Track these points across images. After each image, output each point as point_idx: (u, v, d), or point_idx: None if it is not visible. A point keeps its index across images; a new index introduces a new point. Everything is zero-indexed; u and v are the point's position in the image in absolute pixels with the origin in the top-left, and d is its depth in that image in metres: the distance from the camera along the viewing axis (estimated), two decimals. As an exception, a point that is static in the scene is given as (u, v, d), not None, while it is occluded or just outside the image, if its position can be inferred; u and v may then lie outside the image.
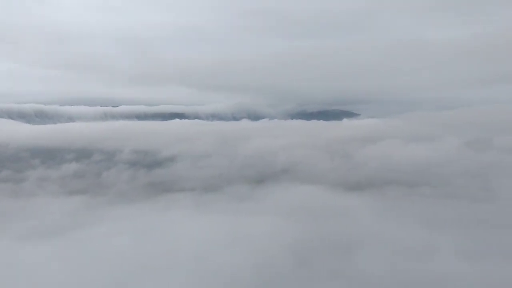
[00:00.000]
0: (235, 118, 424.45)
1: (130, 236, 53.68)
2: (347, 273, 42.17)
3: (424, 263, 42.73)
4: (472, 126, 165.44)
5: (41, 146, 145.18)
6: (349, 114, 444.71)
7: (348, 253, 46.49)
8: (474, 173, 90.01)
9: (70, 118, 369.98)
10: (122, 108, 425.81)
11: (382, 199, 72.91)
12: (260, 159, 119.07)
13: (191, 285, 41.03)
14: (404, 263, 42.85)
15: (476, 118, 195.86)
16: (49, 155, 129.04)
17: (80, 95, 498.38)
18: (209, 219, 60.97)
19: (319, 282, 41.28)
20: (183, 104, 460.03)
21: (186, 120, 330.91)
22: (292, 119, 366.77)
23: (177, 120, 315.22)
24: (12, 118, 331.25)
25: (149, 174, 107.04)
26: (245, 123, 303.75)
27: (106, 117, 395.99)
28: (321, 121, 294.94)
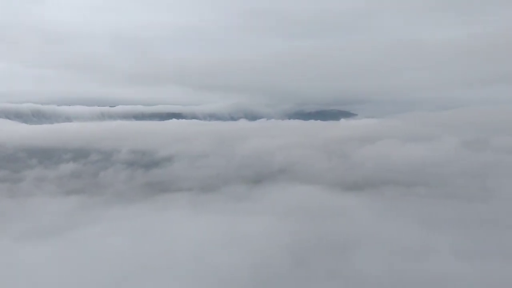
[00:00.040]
0: (232, 118, 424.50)
1: (128, 236, 53.56)
2: (344, 273, 42.15)
3: (422, 263, 42.74)
4: (470, 126, 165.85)
5: (38, 146, 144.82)
6: (347, 114, 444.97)
7: (346, 253, 46.47)
8: (472, 173, 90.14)
9: (68, 118, 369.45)
10: (119, 108, 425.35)
11: (380, 199, 72.95)
12: (257, 159, 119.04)
13: (189, 285, 40.95)
14: (402, 263, 42.86)
15: (474, 118, 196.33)
16: (46, 155, 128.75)
17: (77, 95, 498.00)
18: (207, 219, 60.89)
19: (316, 282, 41.25)
20: (180, 104, 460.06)
21: (184, 120, 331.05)
22: (289, 119, 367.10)
23: (174, 120, 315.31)
24: (9, 118, 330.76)
25: (147, 174, 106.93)
26: (242, 123, 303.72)
27: (103, 117, 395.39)
28: (319, 121, 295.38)
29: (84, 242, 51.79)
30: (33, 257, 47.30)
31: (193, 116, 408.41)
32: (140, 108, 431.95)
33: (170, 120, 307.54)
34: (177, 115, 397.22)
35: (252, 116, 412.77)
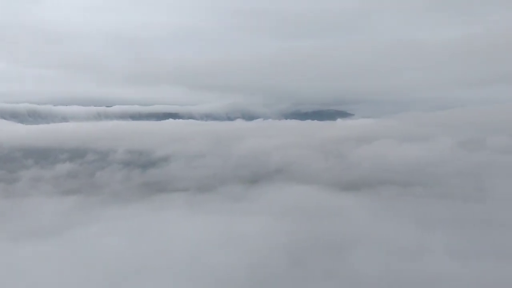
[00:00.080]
0: (229, 118, 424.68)
1: (124, 236, 53.51)
2: (341, 273, 42.22)
3: (418, 263, 42.85)
4: (466, 126, 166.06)
5: (34, 146, 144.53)
6: (343, 114, 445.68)
7: (342, 253, 46.54)
8: (467, 173, 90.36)
9: (64, 118, 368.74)
10: (116, 108, 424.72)
11: (376, 199, 73.07)
12: (254, 159, 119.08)
13: (186, 285, 40.96)
14: (398, 263, 42.95)
15: (470, 118, 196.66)
16: (43, 155, 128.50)
17: (74, 95, 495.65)
18: (203, 219, 60.89)
19: (313, 282, 41.31)
20: (177, 104, 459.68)
21: (180, 120, 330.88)
22: (286, 119, 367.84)
23: (171, 120, 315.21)
24: (5, 118, 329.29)
25: (143, 174, 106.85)
26: (239, 123, 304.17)
27: (100, 117, 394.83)
28: (315, 121, 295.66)
29: (81, 242, 51.73)
30: (30, 258, 47.20)
31: (190, 116, 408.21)
32: (136, 108, 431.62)
33: (167, 120, 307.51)
34: (174, 115, 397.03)
35: (249, 116, 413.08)
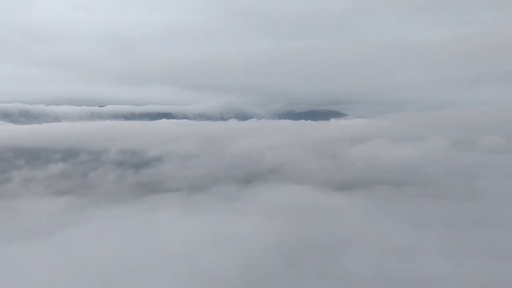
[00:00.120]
0: (223, 118, 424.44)
1: (117, 236, 53.30)
2: (334, 273, 42.26)
3: (411, 262, 42.96)
4: (458, 126, 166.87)
5: (26, 146, 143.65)
6: (337, 114, 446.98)
7: (336, 252, 46.57)
8: (459, 172, 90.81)
9: (56, 118, 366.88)
10: (109, 108, 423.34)
11: (370, 199, 73.25)
12: (247, 159, 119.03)
13: (179, 285, 40.84)
14: (392, 263, 43.04)
15: (462, 118, 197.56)
16: (35, 155, 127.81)
17: (66, 95, 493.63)
18: (197, 219, 60.77)
19: (306, 282, 41.31)
20: (170, 104, 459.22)
21: (174, 120, 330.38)
22: (280, 119, 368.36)
23: (164, 120, 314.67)
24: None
25: (136, 174, 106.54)
26: (232, 123, 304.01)
27: (92, 117, 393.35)
28: (309, 121, 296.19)
29: (73, 243, 51.48)
30: (22, 259, 46.90)
31: (183, 116, 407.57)
32: (129, 108, 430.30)
33: (160, 120, 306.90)
34: (167, 115, 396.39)
35: (243, 116, 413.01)
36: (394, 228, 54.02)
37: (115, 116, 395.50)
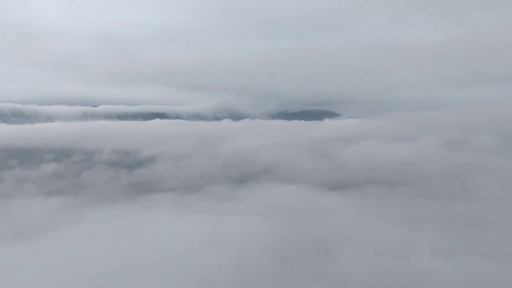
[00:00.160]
0: (216, 118, 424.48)
1: (110, 237, 53.03)
2: (328, 273, 42.26)
3: (405, 262, 43.04)
4: (451, 126, 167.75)
5: (18, 146, 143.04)
6: (330, 114, 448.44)
7: (329, 252, 46.58)
8: (453, 172, 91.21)
9: (49, 118, 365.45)
10: (102, 108, 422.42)
11: (363, 199, 73.35)
12: (241, 159, 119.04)
13: (173, 285, 40.70)
14: (385, 262, 43.10)
15: (455, 118, 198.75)
16: (27, 156, 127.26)
17: (59, 95, 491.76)
18: (190, 219, 60.65)
19: (300, 282, 41.30)
20: (164, 104, 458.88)
21: (167, 120, 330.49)
22: (273, 119, 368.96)
23: (158, 120, 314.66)
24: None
25: (130, 174, 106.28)
26: (226, 123, 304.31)
27: (85, 117, 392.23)
28: (303, 121, 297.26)
29: (66, 243, 51.18)
30: (15, 259, 46.60)
31: (177, 116, 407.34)
32: (123, 108, 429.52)
33: (154, 120, 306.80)
34: (161, 115, 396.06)
35: (236, 116, 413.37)
36: (387, 227, 54.10)
37: (109, 116, 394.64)
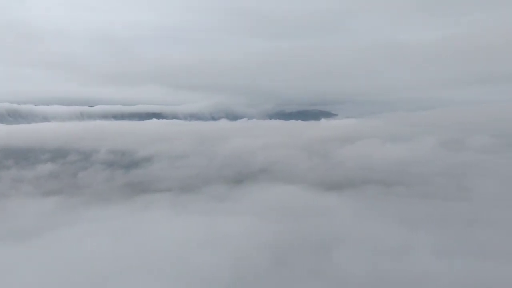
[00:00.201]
0: (213, 118, 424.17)
1: (107, 237, 52.85)
2: (325, 272, 42.21)
3: (402, 262, 43.04)
4: (447, 126, 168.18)
5: (14, 146, 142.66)
6: (327, 114, 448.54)
7: (327, 252, 46.53)
8: (450, 172, 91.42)
9: (45, 118, 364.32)
10: (98, 108, 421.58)
11: (360, 199, 73.35)
12: (238, 159, 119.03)
13: (169, 285, 40.58)
14: (382, 262, 43.09)
15: (451, 118, 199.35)
16: (24, 156, 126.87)
17: (55, 94, 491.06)
18: (187, 219, 60.52)
19: (298, 281, 41.24)
20: (160, 104, 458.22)
21: (164, 120, 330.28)
22: (270, 119, 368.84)
23: (154, 120, 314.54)
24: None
25: (126, 174, 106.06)
26: (223, 123, 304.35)
27: (82, 117, 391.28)
28: (300, 121, 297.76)
29: (63, 243, 50.99)
30: (11, 259, 46.40)
31: (174, 116, 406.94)
32: (119, 108, 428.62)
33: (150, 120, 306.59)
34: (157, 115, 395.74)
35: (233, 116, 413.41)
36: (384, 227, 54.09)
37: (105, 116, 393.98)
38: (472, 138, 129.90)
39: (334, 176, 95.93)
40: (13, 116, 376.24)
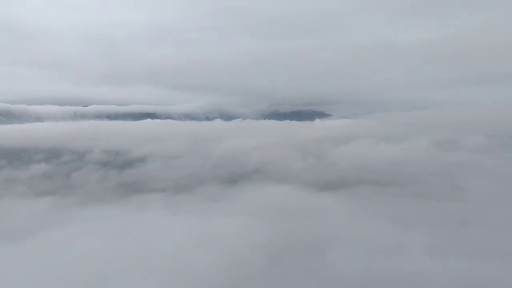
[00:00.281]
0: (208, 118, 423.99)
1: (101, 237, 52.70)
2: (319, 272, 42.31)
3: (395, 262, 43.20)
4: (441, 126, 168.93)
5: (8, 147, 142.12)
6: (321, 115, 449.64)
7: (321, 252, 46.62)
8: (443, 172, 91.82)
9: (38, 118, 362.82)
10: (92, 108, 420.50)
11: (354, 198, 73.53)
12: (233, 159, 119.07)
13: (163, 286, 40.54)
14: (376, 262, 43.24)
15: (445, 118, 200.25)
16: (17, 156, 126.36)
17: (48, 94, 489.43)
18: (181, 220, 60.44)
19: (292, 281, 41.30)
20: (154, 104, 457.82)
21: (158, 120, 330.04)
22: (265, 119, 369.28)
23: (148, 120, 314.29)
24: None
25: (120, 174, 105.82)
26: (217, 123, 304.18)
27: (76, 116, 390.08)
28: (294, 121, 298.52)
29: (57, 244, 50.80)
30: (4, 260, 46.19)
31: (168, 116, 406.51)
32: (113, 108, 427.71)
33: (144, 120, 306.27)
34: (151, 115, 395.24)
35: (228, 116, 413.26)
36: (378, 227, 54.25)
37: (99, 116, 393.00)
38: (465, 138, 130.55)
39: (328, 176, 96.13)
40: (6, 116, 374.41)
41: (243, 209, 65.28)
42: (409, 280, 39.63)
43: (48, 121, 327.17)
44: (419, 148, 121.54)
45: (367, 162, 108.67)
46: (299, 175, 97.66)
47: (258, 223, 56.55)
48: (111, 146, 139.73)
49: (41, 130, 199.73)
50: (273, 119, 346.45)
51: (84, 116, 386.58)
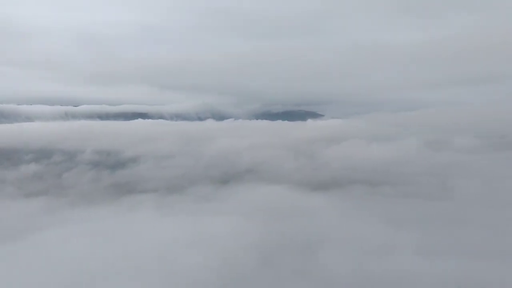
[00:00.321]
0: (200, 118, 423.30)
1: (93, 238, 52.50)
2: (311, 272, 42.43)
3: (387, 261, 43.42)
4: (431, 127, 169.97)
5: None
6: (313, 115, 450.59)
7: (312, 252, 46.75)
8: (434, 172, 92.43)
9: (29, 118, 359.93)
10: (83, 108, 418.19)
11: (346, 198, 73.84)
12: (224, 159, 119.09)
13: (156, 286, 40.48)
14: (368, 262, 43.43)
15: (435, 119, 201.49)
16: (6, 156, 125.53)
17: (39, 94, 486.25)
18: (173, 220, 60.40)
19: (284, 281, 41.38)
20: (146, 104, 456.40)
21: (150, 120, 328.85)
22: (257, 119, 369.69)
23: (140, 120, 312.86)
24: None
25: (112, 175, 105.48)
26: (209, 123, 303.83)
27: (66, 116, 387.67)
28: (286, 121, 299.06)
29: (48, 245, 50.55)
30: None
31: (160, 116, 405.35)
32: (104, 108, 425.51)
33: (136, 120, 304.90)
34: (143, 115, 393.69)
35: (220, 116, 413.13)
36: (370, 227, 54.48)
37: (90, 116, 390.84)
38: (455, 138, 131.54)
39: (320, 176, 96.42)
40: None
41: (235, 209, 65.32)
42: (400, 280, 39.86)
43: (38, 121, 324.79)
44: (410, 148, 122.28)
45: (358, 162, 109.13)
46: (291, 175, 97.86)
47: (250, 223, 56.60)
48: (103, 146, 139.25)
49: (31, 130, 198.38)
50: (265, 119, 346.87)
51: (75, 116, 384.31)
